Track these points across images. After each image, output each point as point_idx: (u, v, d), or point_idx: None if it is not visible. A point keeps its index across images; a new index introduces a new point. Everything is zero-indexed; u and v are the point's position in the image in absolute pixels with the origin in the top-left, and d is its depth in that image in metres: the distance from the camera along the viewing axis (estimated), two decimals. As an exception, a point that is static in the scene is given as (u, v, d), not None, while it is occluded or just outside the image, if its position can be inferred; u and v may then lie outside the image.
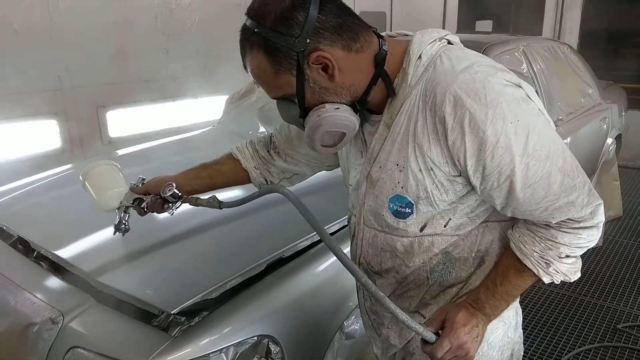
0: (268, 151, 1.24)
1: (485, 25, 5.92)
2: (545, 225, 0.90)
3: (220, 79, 4.32)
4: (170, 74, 4.06)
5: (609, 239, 3.53)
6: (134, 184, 1.21)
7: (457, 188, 0.90)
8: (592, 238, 0.90)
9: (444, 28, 6.38)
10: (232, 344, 1.23)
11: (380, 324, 1.13)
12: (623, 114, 4.08)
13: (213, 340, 1.22)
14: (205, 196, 1.18)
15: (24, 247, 1.69)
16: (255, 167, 1.23)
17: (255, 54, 0.86)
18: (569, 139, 2.86)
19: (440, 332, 0.93)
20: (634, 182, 4.76)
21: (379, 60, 0.89)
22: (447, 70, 0.85)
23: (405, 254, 0.99)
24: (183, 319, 1.26)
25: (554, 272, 0.91)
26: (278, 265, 1.44)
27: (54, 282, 1.49)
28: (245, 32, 0.88)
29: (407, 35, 0.97)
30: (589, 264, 3.19)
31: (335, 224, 1.60)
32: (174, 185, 1.15)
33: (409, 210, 0.93)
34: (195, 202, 1.17)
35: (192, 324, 1.25)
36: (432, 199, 0.91)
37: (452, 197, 0.91)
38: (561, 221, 0.88)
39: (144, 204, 1.18)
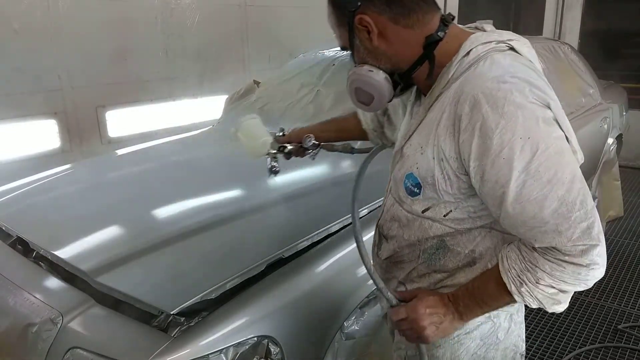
0: (384, 116, 1.34)
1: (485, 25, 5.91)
2: (532, 247, 0.89)
3: (219, 79, 4.33)
4: (170, 74, 4.05)
5: (609, 239, 3.52)
6: (277, 135, 1.41)
7: (461, 185, 0.93)
8: (580, 277, 0.86)
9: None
10: (231, 345, 1.23)
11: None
12: (624, 113, 4.07)
13: (212, 340, 1.21)
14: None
15: (23, 247, 1.69)
16: (373, 129, 1.37)
17: (329, 5, 1.00)
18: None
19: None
20: (635, 182, 4.76)
21: (429, 42, 0.94)
22: (482, 73, 0.88)
23: (406, 227, 1.06)
24: (182, 319, 1.25)
25: (526, 293, 0.90)
26: (278, 266, 1.43)
27: (53, 282, 1.49)
28: None
29: (484, 30, 0.99)
30: (590, 264, 3.19)
31: (336, 224, 1.60)
32: (313, 136, 1.37)
33: (417, 191, 0.99)
34: (332, 148, 1.42)
35: (192, 324, 1.25)
36: (437, 187, 0.95)
37: (456, 192, 0.95)
38: (546, 248, 0.86)
39: (287, 150, 1.40)
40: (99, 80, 3.60)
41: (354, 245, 1.55)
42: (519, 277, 0.90)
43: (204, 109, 4.22)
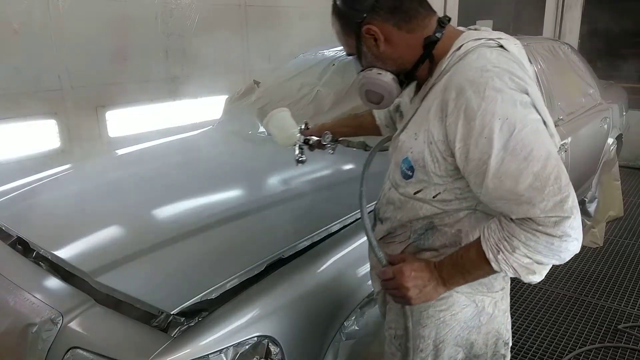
0: (396, 112, 1.37)
1: (485, 25, 5.90)
2: (510, 219, 0.94)
3: (220, 78, 4.33)
4: (170, 74, 4.05)
5: (609, 239, 3.52)
6: (302, 128, 1.56)
7: (448, 167, 1.01)
8: (553, 248, 0.91)
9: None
10: (231, 345, 1.23)
11: (372, 268, 1.33)
12: (624, 113, 4.07)
13: (213, 340, 1.21)
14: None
15: (23, 247, 1.69)
16: (386, 125, 1.48)
17: (334, 17, 1.09)
18: (569, 139, 2.86)
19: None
20: (635, 182, 4.76)
21: (428, 43, 1.04)
22: (469, 63, 0.97)
23: (398, 209, 1.15)
24: (183, 319, 1.25)
25: (502, 260, 0.95)
26: (278, 265, 1.43)
27: (53, 282, 1.49)
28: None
29: (478, 30, 1.08)
30: (589, 264, 3.19)
31: (336, 224, 1.60)
32: (330, 133, 1.51)
33: (410, 174, 1.08)
34: (348, 144, 1.58)
35: (192, 324, 1.25)
36: (427, 169, 1.04)
37: (443, 173, 1.03)
38: (522, 219, 0.92)
39: (311, 142, 1.55)
40: (99, 80, 3.60)
41: (354, 245, 1.56)
42: (497, 245, 0.95)
43: (204, 109, 4.22)
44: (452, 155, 0.98)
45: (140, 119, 3.93)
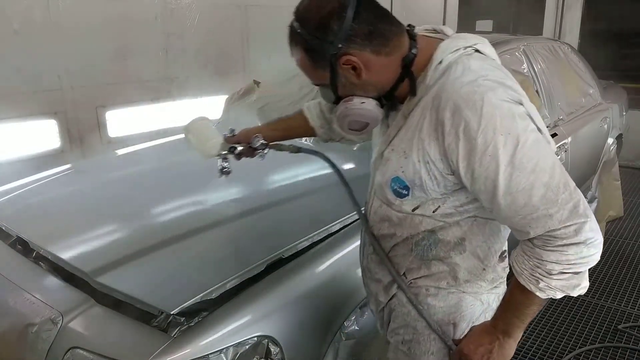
0: (331, 114, 1.35)
1: (485, 25, 5.91)
2: (532, 244, 0.95)
3: (220, 78, 4.33)
4: (170, 74, 4.05)
5: (609, 239, 3.52)
6: (226, 135, 1.40)
7: (447, 184, 1.00)
8: (583, 255, 0.92)
9: (444, 28, 6.40)
10: (231, 345, 1.23)
11: (374, 281, 1.25)
12: (624, 113, 4.07)
13: (212, 340, 1.21)
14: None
15: (23, 247, 1.69)
16: (320, 126, 1.41)
17: (298, 49, 1.02)
18: (569, 139, 2.86)
19: None
20: (635, 182, 4.76)
21: (407, 62, 1.00)
22: (456, 78, 0.95)
23: (398, 225, 1.12)
24: (182, 319, 1.26)
25: (545, 287, 0.95)
26: (278, 265, 1.43)
27: (53, 282, 1.49)
28: (291, 29, 1.01)
29: (446, 34, 1.06)
30: (590, 264, 3.19)
31: (336, 224, 1.60)
32: (261, 136, 1.35)
33: (406, 192, 1.06)
34: (280, 148, 1.40)
35: (192, 324, 1.25)
36: (425, 187, 1.02)
37: (443, 190, 1.02)
38: (544, 239, 0.92)
39: (237, 151, 1.37)
40: (99, 80, 3.59)
41: (354, 245, 1.56)
42: (532, 275, 0.96)
43: (204, 109, 4.22)
44: (452, 173, 0.97)
45: (140, 119, 3.93)
